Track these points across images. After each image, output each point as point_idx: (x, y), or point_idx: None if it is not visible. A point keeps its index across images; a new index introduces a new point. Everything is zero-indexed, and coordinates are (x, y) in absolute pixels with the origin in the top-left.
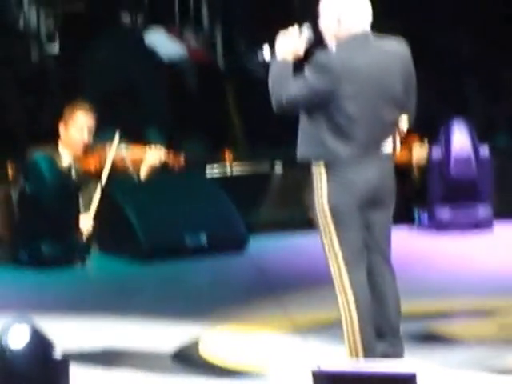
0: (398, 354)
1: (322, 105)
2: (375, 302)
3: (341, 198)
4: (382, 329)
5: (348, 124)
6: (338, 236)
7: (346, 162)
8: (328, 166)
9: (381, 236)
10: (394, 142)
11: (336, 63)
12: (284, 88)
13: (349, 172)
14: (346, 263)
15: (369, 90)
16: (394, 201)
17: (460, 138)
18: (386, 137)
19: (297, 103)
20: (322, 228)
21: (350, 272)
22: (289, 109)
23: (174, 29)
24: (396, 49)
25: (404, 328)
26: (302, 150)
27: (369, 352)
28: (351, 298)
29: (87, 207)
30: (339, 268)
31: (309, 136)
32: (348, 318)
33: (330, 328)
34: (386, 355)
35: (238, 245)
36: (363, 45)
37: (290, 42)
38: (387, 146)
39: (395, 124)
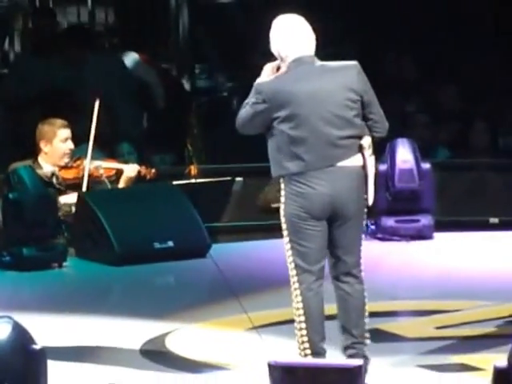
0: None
1: (268, 127)
2: (341, 309)
3: (293, 210)
4: (348, 335)
5: (292, 144)
6: (292, 245)
7: (297, 178)
8: (285, 182)
9: (344, 248)
10: (363, 157)
11: (268, 90)
12: (240, 112)
13: (300, 186)
14: (298, 272)
15: (307, 112)
16: (361, 213)
17: (404, 154)
18: (336, 153)
19: (246, 125)
20: (284, 237)
21: (300, 281)
22: (242, 130)
23: (144, 51)
24: (341, 72)
25: None
26: (271, 169)
27: (318, 356)
28: (300, 306)
29: (66, 215)
30: (293, 276)
31: (271, 155)
32: (297, 325)
33: (285, 325)
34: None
35: (201, 250)
36: (302, 69)
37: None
38: (346, 161)
39: (348, 140)
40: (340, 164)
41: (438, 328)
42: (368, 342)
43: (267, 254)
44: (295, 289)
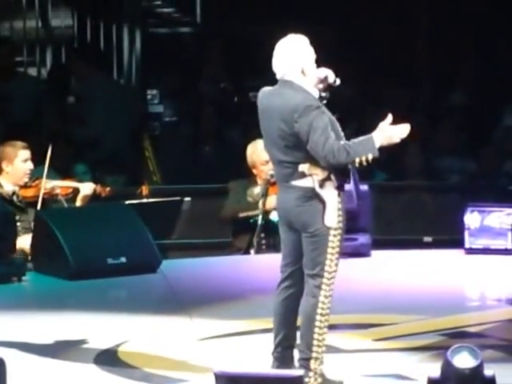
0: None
1: None
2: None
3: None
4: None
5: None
6: None
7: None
8: None
9: (304, 257)
10: (314, 180)
11: (259, 101)
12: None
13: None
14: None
15: (266, 130)
16: (310, 229)
17: None
18: (286, 172)
19: None
20: None
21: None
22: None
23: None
24: (290, 99)
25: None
26: None
27: (274, 360)
28: None
29: (26, 231)
30: None
31: None
32: None
33: (232, 337)
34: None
35: (152, 266)
36: (274, 90)
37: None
38: (299, 181)
39: (293, 163)
40: (288, 183)
41: (375, 340)
42: (314, 354)
43: (215, 270)
44: None
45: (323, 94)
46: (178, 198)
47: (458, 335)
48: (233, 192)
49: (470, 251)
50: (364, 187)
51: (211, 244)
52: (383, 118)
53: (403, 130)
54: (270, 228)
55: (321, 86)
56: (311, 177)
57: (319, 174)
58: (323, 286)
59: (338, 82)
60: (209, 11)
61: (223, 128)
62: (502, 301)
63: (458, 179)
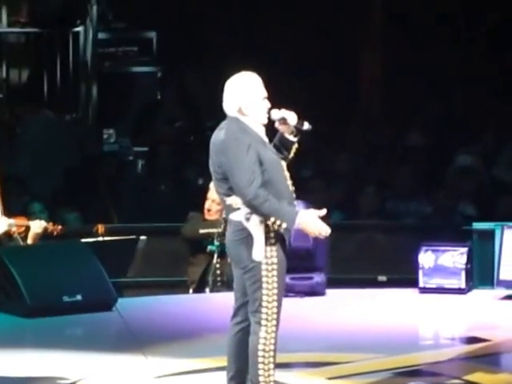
0: None
1: None
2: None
3: None
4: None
5: None
6: None
7: None
8: None
9: (248, 293)
10: (241, 213)
11: None
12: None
13: None
14: None
15: (210, 164)
16: (241, 264)
17: None
18: (225, 206)
19: None
20: None
21: None
22: None
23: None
24: (221, 136)
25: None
26: None
27: None
28: None
29: None
30: None
31: None
32: None
33: (188, 375)
34: None
35: (107, 304)
36: (220, 126)
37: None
38: (233, 215)
39: (226, 195)
40: (228, 216)
41: (329, 379)
42: None
43: (171, 309)
44: None
45: (291, 138)
46: (133, 237)
47: (413, 374)
48: (193, 219)
49: (424, 290)
50: None
51: (166, 282)
52: (339, 159)
53: (324, 231)
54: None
55: (282, 127)
56: (240, 210)
57: (244, 207)
58: (263, 322)
59: (307, 126)
60: (166, 51)
61: (179, 167)
62: (455, 339)
63: (413, 219)
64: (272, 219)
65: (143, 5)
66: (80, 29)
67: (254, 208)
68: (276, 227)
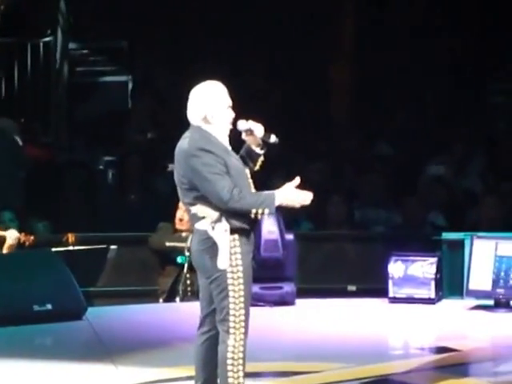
0: None
1: None
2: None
3: None
4: None
5: None
6: None
7: None
8: None
9: (214, 302)
10: (206, 222)
11: None
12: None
13: None
14: None
15: (175, 173)
16: (207, 273)
17: (269, 226)
18: (190, 215)
19: None
20: None
21: None
22: None
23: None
24: (187, 143)
25: None
26: None
27: None
28: None
29: None
30: None
31: None
32: None
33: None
34: None
35: (77, 313)
36: (184, 135)
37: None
38: (198, 224)
39: (191, 205)
40: (193, 226)
41: None
42: None
43: (141, 318)
44: None
45: (257, 150)
46: (103, 246)
47: (382, 383)
48: (162, 229)
49: (394, 300)
50: (289, 236)
51: (137, 292)
52: (309, 168)
53: (306, 198)
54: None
55: (249, 139)
56: (205, 219)
57: (210, 216)
58: (231, 331)
59: (274, 139)
60: (137, 61)
61: (149, 177)
62: (425, 349)
63: (382, 229)
64: (253, 211)
65: (114, 14)
66: (50, 38)
67: (234, 209)
68: (259, 216)
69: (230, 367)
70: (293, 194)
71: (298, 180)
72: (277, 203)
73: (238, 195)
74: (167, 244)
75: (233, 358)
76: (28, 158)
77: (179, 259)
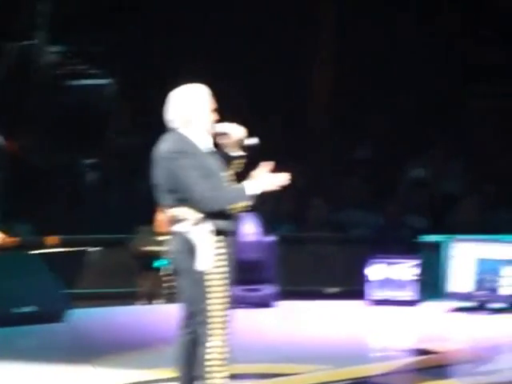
0: None
1: None
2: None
3: None
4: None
5: None
6: None
7: None
8: None
9: (190, 303)
10: (186, 224)
11: None
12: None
13: None
14: None
15: (154, 175)
16: (185, 274)
17: (249, 228)
18: (169, 217)
19: None
20: None
21: None
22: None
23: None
24: (167, 145)
25: None
26: None
27: None
28: None
29: None
30: None
31: None
32: None
33: None
34: None
35: (59, 315)
36: (163, 138)
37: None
38: (178, 226)
39: (172, 207)
40: (172, 228)
41: None
42: None
43: (121, 320)
44: None
45: (230, 153)
46: (85, 248)
47: None
48: (142, 233)
49: (374, 302)
50: (270, 238)
51: (118, 294)
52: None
53: (281, 179)
54: None
55: (225, 142)
56: (184, 221)
57: (191, 217)
58: (209, 332)
59: (254, 141)
60: (119, 64)
61: (131, 179)
62: (404, 351)
63: (362, 231)
64: (232, 207)
65: (95, 20)
66: (30, 42)
67: (212, 210)
68: (240, 210)
69: (208, 368)
70: (268, 179)
71: (269, 164)
72: (250, 192)
73: (217, 195)
74: (146, 249)
75: (211, 360)
76: (8, 157)
77: (158, 263)
